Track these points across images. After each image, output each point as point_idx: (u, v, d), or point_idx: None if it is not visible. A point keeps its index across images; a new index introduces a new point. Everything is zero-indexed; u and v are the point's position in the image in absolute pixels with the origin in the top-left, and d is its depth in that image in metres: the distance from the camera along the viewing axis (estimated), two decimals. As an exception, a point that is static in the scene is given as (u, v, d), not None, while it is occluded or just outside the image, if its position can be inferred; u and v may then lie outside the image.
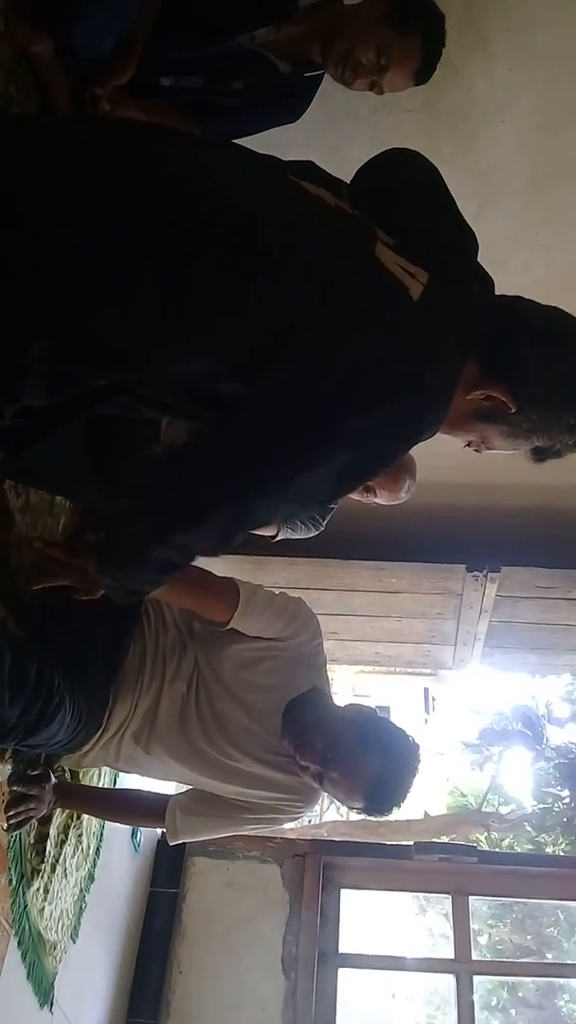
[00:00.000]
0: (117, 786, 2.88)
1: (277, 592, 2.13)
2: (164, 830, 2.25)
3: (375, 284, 1.20)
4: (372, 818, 2.17)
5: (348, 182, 1.46)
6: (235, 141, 1.39)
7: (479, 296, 1.32)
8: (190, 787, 2.21)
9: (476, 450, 1.38)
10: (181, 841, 2.23)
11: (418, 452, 2.62)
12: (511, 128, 2.44)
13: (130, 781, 2.86)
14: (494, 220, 2.65)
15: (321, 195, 1.28)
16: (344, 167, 2.51)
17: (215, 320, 1.15)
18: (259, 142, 2.31)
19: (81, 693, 1.88)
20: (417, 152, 1.44)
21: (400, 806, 2.01)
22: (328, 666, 2.25)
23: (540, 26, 2.25)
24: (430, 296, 1.21)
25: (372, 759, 1.93)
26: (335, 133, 2.47)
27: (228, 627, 2.02)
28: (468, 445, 1.38)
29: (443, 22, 2.04)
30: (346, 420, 1.17)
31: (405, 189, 1.39)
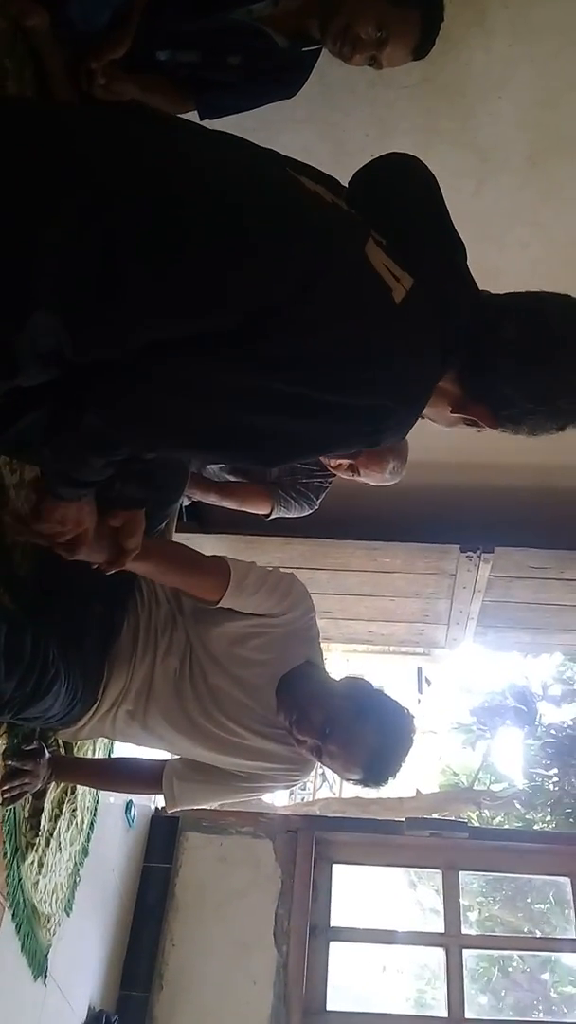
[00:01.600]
0: (113, 755, 2.90)
1: (269, 569, 2.13)
2: (162, 797, 2.26)
3: (359, 281, 1.20)
4: (368, 789, 2.19)
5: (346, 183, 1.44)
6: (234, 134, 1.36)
7: (463, 304, 1.29)
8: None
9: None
10: (179, 808, 2.25)
11: (411, 431, 2.64)
12: (509, 104, 2.42)
13: (125, 750, 2.89)
14: (493, 197, 2.64)
15: (318, 191, 1.28)
16: (342, 143, 2.52)
17: (201, 307, 1.15)
18: (257, 117, 2.31)
19: (76, 667, 1.89)
20: (415, 158, 1.43)
21: (396, 777, 2.03)
22: (322, 643, 2.26)
23: (538, 1, 2.23)
24: (412, 301, 1.20)
25: (370, 732, 1.95)
26: (333, 108, 2.46)
27: (219, 606, 2.03)
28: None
29: (442, -3, 2.03)
30: (309, 400, 1.17)
31: (399, 194, 1.38)
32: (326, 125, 2.50)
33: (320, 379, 1.16)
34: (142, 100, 2.16)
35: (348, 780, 2.10)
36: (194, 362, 1.17)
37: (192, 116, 2.24)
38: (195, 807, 2.55)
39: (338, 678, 2.14)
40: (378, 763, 1.98)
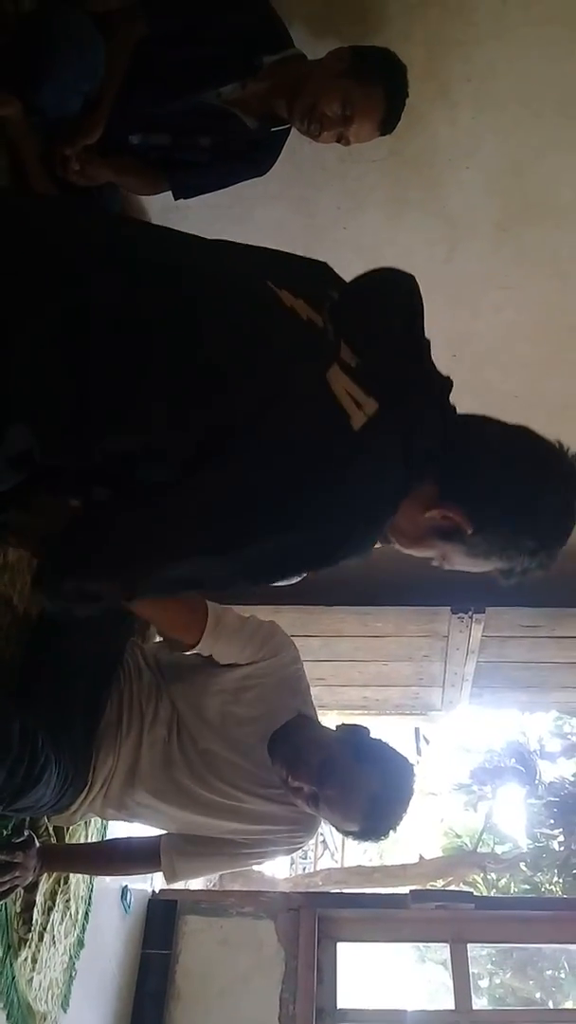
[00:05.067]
0: (107, 835, 2.83)
1: (248, 615, 2.08)
2: (161, 874, 2.18)
3: (316, 408, 1.19)
4: (367, 843, 2.12)
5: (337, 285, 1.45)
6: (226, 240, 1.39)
7: (437, 420, 1.29)
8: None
9: (438, 566, 1.38)
10: (180, 881, 2.19)
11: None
12: (477, 173, 2.47)
13: (120, 829, 2.82)
14: (464, 263, 2.68)
15: (295, 307, 1.27)
16: (314, 216, 2.56)
17: (161, 426, 1.16)
18: (231, 194, 2.36)
19: (66, 751, 1.85)
20: (407, 275, 1.42)
21: (396, 828, 1.96)
22: (317, 712, 2.22)
23: (501, 73, 2.29)
24: (372, 428, 1.18)
25: (369, 775, 1.89)
26: (305, 184, 2.50)
27: (197, 650, 1.97)
28: (432, 561, 1.38)
29: (405, 72, 2.08)
30: (261, 530, 1.17)
31: (382, 312, 1.37)
32: (298, 200, 2.54)
33: (270, 508, 1.15)
34: (117, 182, 2.20)
35: (347, 832, 2.02)
36: (154, 501, 1.18)
37: (166, 196, 2.29)
38: (196, 878, 2.47)
39: (333, 727, 2.09)
40: (378, 809, 1.91)
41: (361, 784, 1.89)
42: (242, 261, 1.35)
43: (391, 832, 1.96)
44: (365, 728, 2.05)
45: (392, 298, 1.38)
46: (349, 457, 1.18)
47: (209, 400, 1.15)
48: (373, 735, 2.03)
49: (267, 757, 1.99)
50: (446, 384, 1.35)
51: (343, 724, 2.08)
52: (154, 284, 1.18)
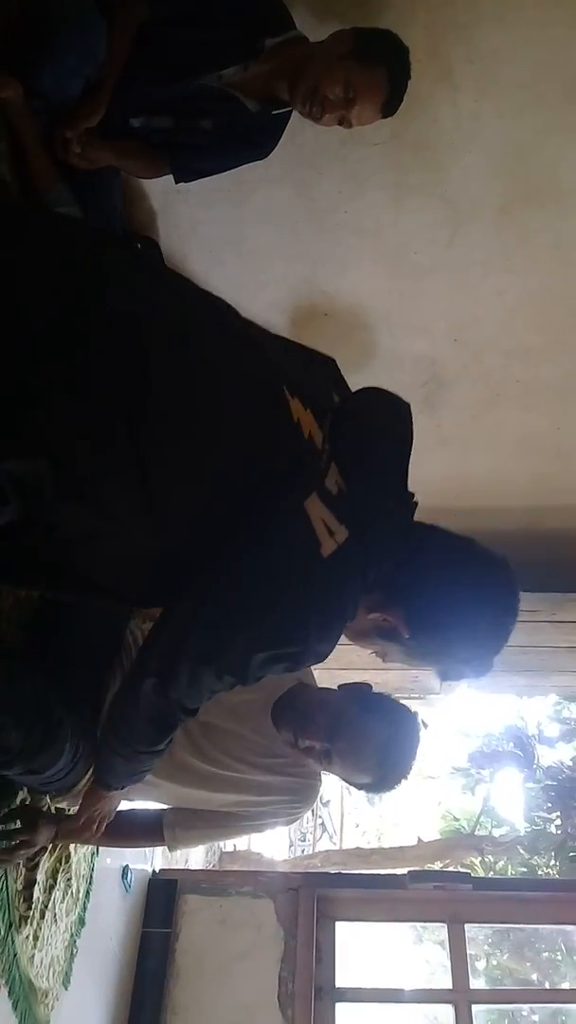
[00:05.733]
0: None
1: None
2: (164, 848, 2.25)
3: (290, 534, 1.28)
4: (380, 793, 2.17)
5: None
6: (255, 325, 1.47)
7: (397, 543, 1.40)
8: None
9: (380, 659, 1.51)
10: (181, 848, 2.25)
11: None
12: (479, 157, 2.46)
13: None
14: (466, 247, 2.67)
15: (302, 420, 1.35)
16: (315, 200, 2.56)
17: (144, 535, 1.27)
18: (232, 177, 2.35)
19: (76, 724, 1.86)
20: (404, 403, 1.53)
21: (407, 777, 2.00)
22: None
23: (504, 56, 2.28)
24: (340, 555, 1.29)
25: (378, 724, 1.95)
26: (306, 167, 2.49)
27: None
28: (371, 651, 1.52)
29: (407, 55, 2.07)
30: (234, 642, 1.30)
31: (377, 440, 1.47)
32: (300, 183, 2.54)
33: (248, 620, 1.28)
34: (118, 166, 2.20)
35: (360, 785, 2.06)
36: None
37: (168, 179, 2.28)
38: (197, 846, 2.55)
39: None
40: (389, 759, 1.96)
41: (371, 734, 1.94)
42: (262, 357, 1.40)
43: (402, 781, 2.01)
44: (367, 684, 2.09)
45: (389, 427, 1.50)
46: (317, 582, 1.29)
47: (191, 504, 1.27)
48: (375, 691, 2.08)
49: (269, 726, 2.03)
50: (413, 506, 1.47)
51: (344, 684, 2.12)
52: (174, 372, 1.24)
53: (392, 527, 1.40)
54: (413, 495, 1.47)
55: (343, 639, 1.43)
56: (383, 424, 1.50)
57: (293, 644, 1.32)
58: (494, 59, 2.29)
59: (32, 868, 2.21)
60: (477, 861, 8.96)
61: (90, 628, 2.07)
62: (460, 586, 1.39)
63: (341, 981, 3.55)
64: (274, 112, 2.18)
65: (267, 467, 1.30)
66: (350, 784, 2.09)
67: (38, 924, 2.29)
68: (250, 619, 1.28)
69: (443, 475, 3.26)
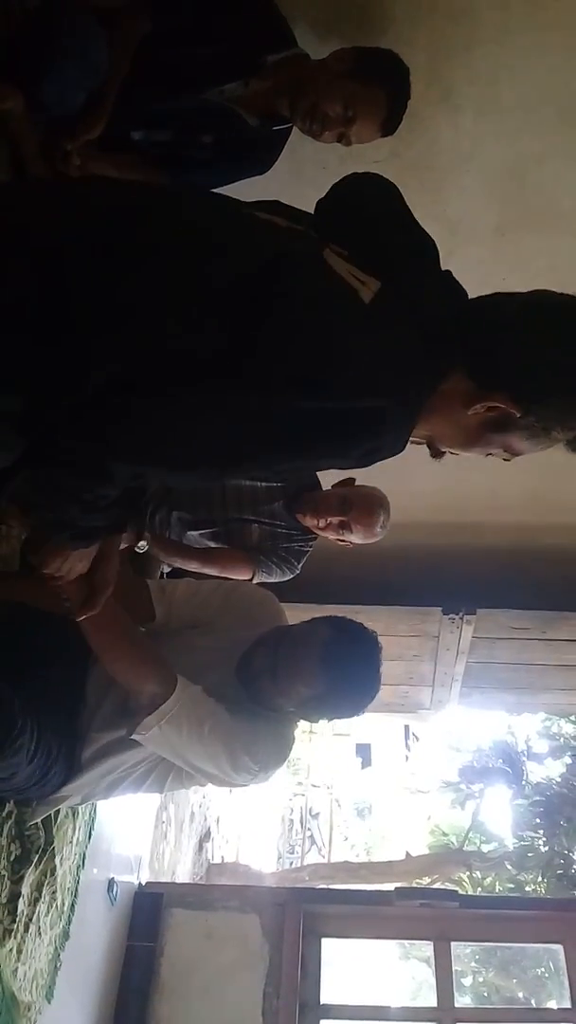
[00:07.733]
0: (95, 827, 2.88)
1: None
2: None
3: (321, 283, 1.17)
4: (335, 716, 2.13)
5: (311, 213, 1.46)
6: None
7: (447, 304, 1.27)
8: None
9: (505, 459, 1.31)
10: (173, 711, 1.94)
11: (391, 492, 2.64)
12: (477, 177, 2.48)
13: (108, 813, 2.92)
14: (462, 267, 2.63)
15: (272, 219, 1.30)
16: (314, 218, 2.56)
17: (172, 344, 1.15)
18: (230, 193, 2.35)
19: (48, 730, 1.79)
20: (371, 174, 1.44)
21: (362, 693, 1.96)
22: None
23: (503, 77, 2.29)
24: (382, 300, 1.17)
25: (321, 625, 1.96)
26: (305, 183, 2.48)
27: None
28: (493, 455, 1.31)
29: (407, 74, 2.09)
30: (300, 409, 1.14)
31: (358, 212, 1.38)
32: (298, 199, 2.51)
33: (306, 386, 1.12)
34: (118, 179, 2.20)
35: (311, 705, 1.95)
36: (184, 392, 1.14)
37: (166, 193, 2.29)
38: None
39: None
40: (331, 657, 1.88)
41: (313, 636, 1.90)
42: (215, 196, 1.41)
43: (357, 700, 1.95)
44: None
45: (364, 197, 1.41)
46: (370, 326, 1.16)
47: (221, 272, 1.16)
48: None
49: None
50: (448, 274, 1.34)
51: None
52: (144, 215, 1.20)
53: (433, 282, 1.27)
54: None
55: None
56: (359, 200, 1.40)
57: (370, 406, 1.14)
58: (494, 81, 2.30)
59: (17, 881, 2.20)
60: (465, 876, 8.94)
61: (59, 634, 1.92)
62: (553, 332, 1.21)
63: (326, 998, 3.54)
64: (274, 128, 2.19)
65: (263, 241, 1.21)
66: (300, 706, 1.95)
67: (22, 937, 2.27)
68: (310, 367, 1.12)
69: (436, 490, 3.27)
